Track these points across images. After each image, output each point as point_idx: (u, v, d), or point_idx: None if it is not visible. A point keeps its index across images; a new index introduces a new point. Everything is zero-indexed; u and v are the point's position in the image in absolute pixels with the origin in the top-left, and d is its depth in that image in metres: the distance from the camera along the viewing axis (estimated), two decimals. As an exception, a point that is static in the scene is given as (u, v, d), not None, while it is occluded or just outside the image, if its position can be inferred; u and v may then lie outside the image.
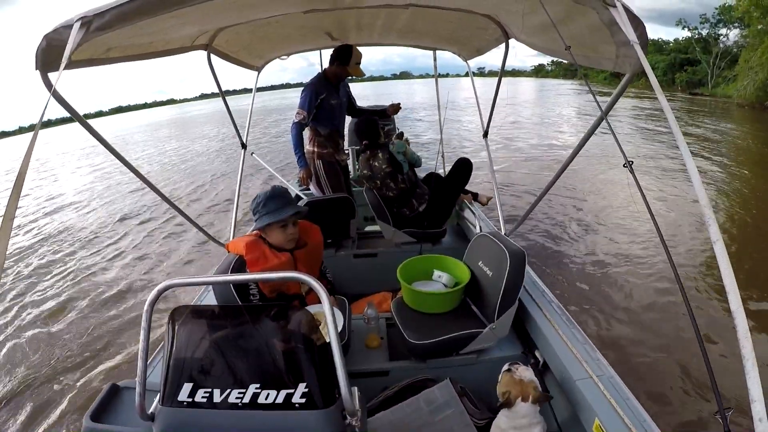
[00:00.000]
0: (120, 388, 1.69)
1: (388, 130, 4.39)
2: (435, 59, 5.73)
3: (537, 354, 2.51)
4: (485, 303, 2.59)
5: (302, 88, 4.35)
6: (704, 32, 45.86)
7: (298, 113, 4.19)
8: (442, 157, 6.06)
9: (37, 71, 1.66)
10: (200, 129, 30.52)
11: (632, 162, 1.48)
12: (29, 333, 5.32)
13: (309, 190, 4.87)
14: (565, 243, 6.73)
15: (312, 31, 3.93)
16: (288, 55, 4.74)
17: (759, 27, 30.05)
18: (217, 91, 3.86)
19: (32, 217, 11.15)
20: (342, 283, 3.30)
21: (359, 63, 4.31)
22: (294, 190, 5.19)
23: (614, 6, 1.61)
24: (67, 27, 1.48)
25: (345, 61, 4.22)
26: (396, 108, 4.90)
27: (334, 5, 2.83)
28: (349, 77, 4.48)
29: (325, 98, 4.29)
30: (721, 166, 11.18)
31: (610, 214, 7.85)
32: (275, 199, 2.45)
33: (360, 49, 4.31)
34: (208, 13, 2.14)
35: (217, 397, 1.37)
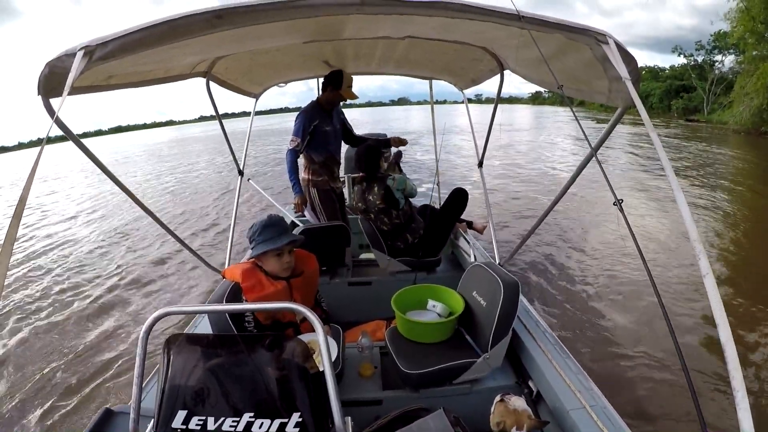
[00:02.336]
0: (114, 413, 1.68)
1: (386, 157, 4.41)
2: (431, 88, 5.78)
3: (531, 384, 2.50)
4: (479, 333, 2.59)
5: (296, 115, 4.39)
6: (700, 59, 46.69)
7: (291, 140, 4.21)
8: (438, 186, 6.08)
9: (39, 96, 1.68)
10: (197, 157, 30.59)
11: (622, 201, 1.49)
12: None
13: (305, 216, 4.88)
14: (558, 273, 6.72)
15: (310, 59, 3.98)
16: (286, 82, 4.79)
17: (754, 53, 30.52)
18: (215, 113, 3.89)
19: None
20: (336, 311, 3.30)
21: (351, 86, 4.34)
22: (290, 216, 5.20)
23: (606, 43, 1.65)
24: (70, 55, 1.50)
25: (338, 85, 4.24)
26: (401, 141, 4.91)
27: (333, 36, 2.87)
28: (343, 101, 4.51)
29: (318, 125, 4.31)
30: (723, 189, 11.33)
31: (605, 245, 7.86)
32: (271, 227, 2.47)
33: (361, 76, 4.37)
34: (209, 43, 2.18)
35: (211, 425, 1.36)
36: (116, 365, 4.79)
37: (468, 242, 4.22)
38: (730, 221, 9.25)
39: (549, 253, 7.52)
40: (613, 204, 1.50)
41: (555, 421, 2.18)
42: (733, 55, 40.78)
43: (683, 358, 1.22)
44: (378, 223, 4.06)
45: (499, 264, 3.24)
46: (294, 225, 4.29)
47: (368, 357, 2.79)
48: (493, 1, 1.63)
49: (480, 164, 4.11)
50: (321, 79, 4.80)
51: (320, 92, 4.49)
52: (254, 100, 4.79)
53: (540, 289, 6.14)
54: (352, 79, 4.35)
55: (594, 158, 1.79)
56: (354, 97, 4.39)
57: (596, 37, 1.67)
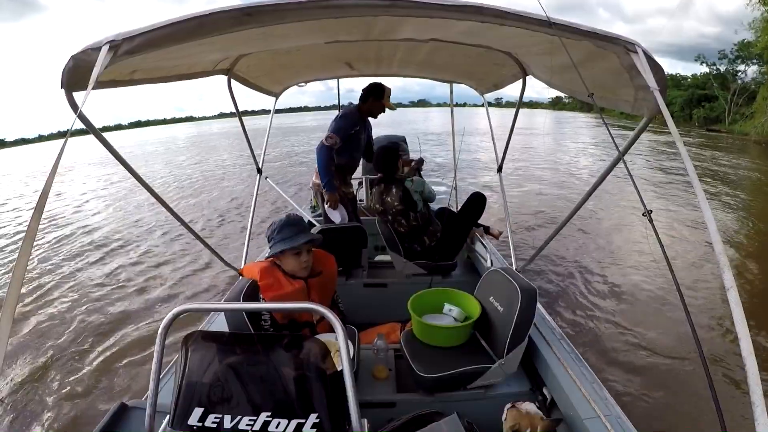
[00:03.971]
0: (128, 407, 1.68)
1: (404, 159, 4.42)
2: (451, 92, 5.77)
3: (545, 391, 2.48)
4: (495, 338, 2.57)
5: (338, 115, 4.47)
6: (722, 68, 46.10)
7: (329, 137, 4.26)
8: (455, 190, 6.06)
9: (62, 90, 1.69)
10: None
11: (651, 212, 1.46)
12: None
13: (320, 217, 4.89)
14: (576, 281, 6.67)
15: (332, 60, 3.98)
16: (306, 82, 4.80)
17: (778, 63, 30.06)
18: (235, 110, 3.91)
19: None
20: (351, 312, 3.30)
21: (389, 97, 4.45)
22: (306, 216, 5.21)
23: (635, 52, 1.63)
24: (95, 49, 1.50)
25: (380, 96, 4.35)
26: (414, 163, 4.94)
27: (358, 38, 2.87)
28: (382, 112, 4.58)
29: (357, 132, 4.41)
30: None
31: (625, 254, 7.79)
32: (290, 226, 2.47)
33: (384, 78, 4.44)
34: (234, 40, 2.18)
35: (228, 423, 1.36)
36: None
37: (485, 247, 4.19)
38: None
39: (567, 261, 7.47)
40: (643, 215, 1.47)
41: (569, 429, 2.17)
42: (756, 65, 40.30)
43: (707, 365, 1.20)
44: (395, 225, 4.05)
45: (516, 270, 3.21)
46: (311, 225, 4.30)
47: (383, 359, 2.78)
48: (519, 6, 1.62)
49: (499, 169, 4.08)
50: (341, 81, 4.83)
51: (340, 91, 4.53)
52: (274, 99, 4.80)
53: (556, 297, 6.10)
54: (390, 90, 4.43)
55: (622, 162, 1.77)
56: (393, 108, 4.53)
57: (626, 46, 1.65)
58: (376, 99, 4.38)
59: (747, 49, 39.91)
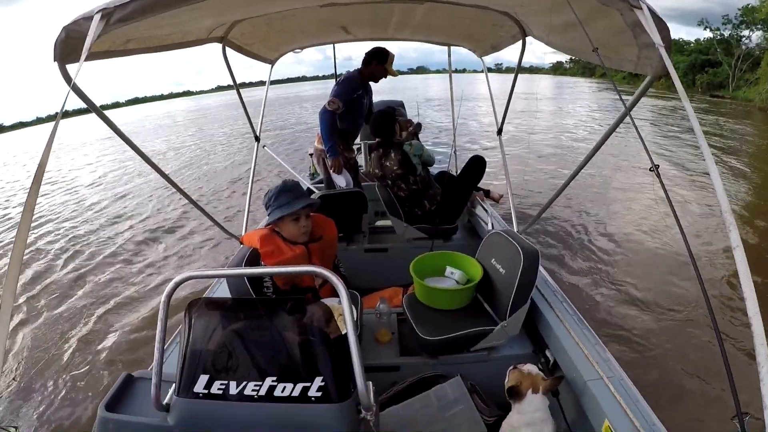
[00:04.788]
0: (134, 378, 1.69)
1: (402, 122, 4.39)
2: (449, 55, 5.72)
3: (547, 353, 2.50)
4: (497, 301, 2.58)
5: (340, 80, 4.45)
6: (726, 33, 45.09)
7: (332, 102, 4.23)
8: (455, 153, 6.04)
9: (56, 63, 1.66)
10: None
11: (658, 166, 1.45)
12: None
13: (320, 184, 4.88)
14: (578, 242, 6.67)
15: (327, 25, 3.93)
16: (302, 48, 4.74)
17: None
18: (232, 83, 3.87)
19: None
20: (352, 277, 3.31)
21: (392, 63, 4.42)
22: (306, 183, 5.19)
23: (639, 8, 1.59)
24: (87, 18, 1.47)
25: (383, 60, 4.33)
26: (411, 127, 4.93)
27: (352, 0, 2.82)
28: (384, 78, 4.55)
29: (360, 96, 4.39)
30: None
31: (628, 215, 7.77)
32: (286, 192, 2.46)
33: (379, 43, 4.43)
34: (227, 5, 2.15)
35: (233, 389, 1.37)
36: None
37: (486, 210, 4.19)
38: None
39: (569, 222, 7.44)
40: (650, 170, 1.46)
41: (571, 390, 2.18)
42: (760, 31, 39.60)
43: (718, 328, 1.21)
44: (395, 190, 4.04)
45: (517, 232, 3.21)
46: (310, 192, 4.29)
47: (386, 323, 2.80)
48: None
49: (499, 132, 4.06)
50: (337, 47, 4.77)
51: (336, 59, 4.49)
52: (270, 66, 4.75)
53: (558, 259, 6.11)
54: (393, 57, 4.40)
55: (628, 118, 1.74)
56: (395, 74, 4.49)
57: (630, 2, 1.61)
58: (379, 63, 4.35)
59: (751, 15, 39.10)
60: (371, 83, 4.64)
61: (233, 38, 3.34)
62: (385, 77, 4.51)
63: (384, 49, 4.36)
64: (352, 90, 4.32)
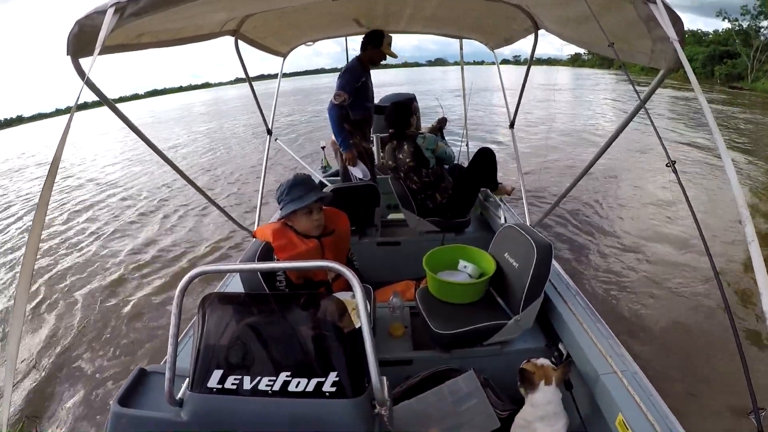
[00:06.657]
0: (148, 373, 1.70)
1: (416, 114, 4.38)
2: (461, 47, 5.70)
3: (561, 347, 2.49)
4: (510, 294, 2.57)
5: (341, 72, 4.42)
6: (745, 24, 44.61)
7: (338, 95, 4.21)
8: (467, 146, 6.01)
9: (69, 57, 1.66)
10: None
11: (675, 162, 1.43)
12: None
13: (332, 177, 4.87)
14: (591, 237, 6.61)
15: (340, 18, 3.92)
16: (314, 41, 4.74)
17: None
18: (252, 75, 3.88)
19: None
20: (365, 271, 3.31)
21: (390, 44, 4.38)
22: (318, 176, 5.19)
23: (653, 2, 1.57)
24: (101, 12, 1.47)
25: (378, 43, 4.28)
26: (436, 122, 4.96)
27: None
28: (383, 60, 4.51)
29: (364, 82, 4.37)
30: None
31: (642, 210, 7.67)
32: (299, 186, 2.45)
33: (394, 36, 4.38)
34: (239, -1, 2.14)
35: (247, 384, 1.38)
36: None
37: (498, 204, 4.17)
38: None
39: (582, 216, 7.38)
40: (666, 165, 1.44)
41: (585, 384, 2.18)
42: (780, 22, 39.26)
43: (734, 322, 1.20)
44: (407, 182, 4.02)
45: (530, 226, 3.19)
46: (322, 186, 4.28)
47: (399, 317, 2.80)
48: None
49: (511, 125, 4.02)
50: (349, 39, 4.75)
51: (348, 51, 4.46)
52: (282, 59, 4.74)
53: (572, 253, 6.07)
54: (391, 38, 4.37)
55: (643, 110, 1.72)
56: (394, 55, 4.45)
57: None
58: (375, 46, 4.31)
59: (770, 5, 38.86)
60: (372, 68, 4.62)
61: (245, 32, 3.34)
62: (384, 59, 4.48)
63: (378, 31, 4.30)
64: (355, 79, 4.29)
